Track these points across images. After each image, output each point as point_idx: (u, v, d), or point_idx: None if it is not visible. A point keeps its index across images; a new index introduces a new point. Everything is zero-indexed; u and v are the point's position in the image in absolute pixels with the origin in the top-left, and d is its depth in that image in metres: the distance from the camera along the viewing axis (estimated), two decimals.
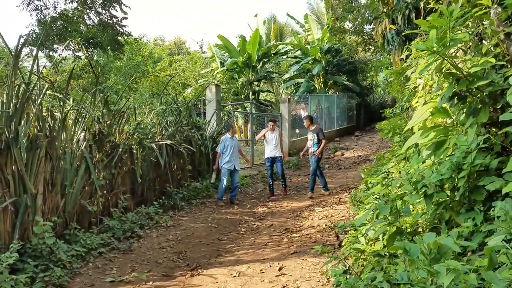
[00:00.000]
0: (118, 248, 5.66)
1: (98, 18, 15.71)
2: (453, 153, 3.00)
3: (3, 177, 4.54)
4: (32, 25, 15.50)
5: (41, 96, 5.23)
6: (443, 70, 2.96)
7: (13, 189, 4.63)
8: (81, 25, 15.77)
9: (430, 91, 4.17)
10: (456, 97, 2.96)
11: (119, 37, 16.15)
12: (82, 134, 6.14)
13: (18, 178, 4.68)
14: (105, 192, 6.39)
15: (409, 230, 3.43)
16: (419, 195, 3.04)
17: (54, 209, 5.25)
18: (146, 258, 5.40)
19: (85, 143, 6.09)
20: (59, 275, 4.42)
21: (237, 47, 20.97)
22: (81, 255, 5.10)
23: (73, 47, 16.57)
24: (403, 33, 6.76)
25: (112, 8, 15.67)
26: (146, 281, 4.61)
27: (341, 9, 16.75)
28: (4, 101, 4.76)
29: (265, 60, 22.16)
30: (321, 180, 9.29)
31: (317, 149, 9.04)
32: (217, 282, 4.54)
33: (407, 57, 6.18)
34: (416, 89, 5.21)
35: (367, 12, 14.29)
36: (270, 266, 4.95)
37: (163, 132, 8.52)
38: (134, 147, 7.20)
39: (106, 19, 15.74)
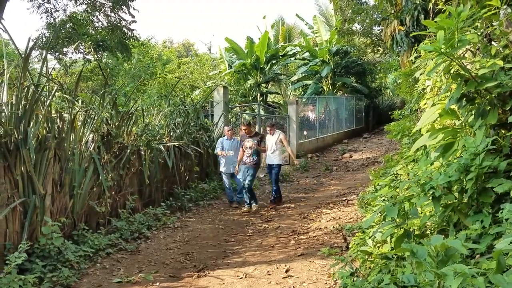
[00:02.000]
0: (125, 249, 5.68)
1: (107, 21, 15.82)
2: (461, 155, 2.97)
3: (12, 178, 4.58)
4: (43, 28, 15.63)
5: (50, 97, 5.28)
6: (451, 72, 2.94)
7: (22, 190, 4.67)
8: (90, 27, 15.88)
9: (438, 93, 4.14)
10: (465, 99, 2.93)
11: (126, 41, 16.23)
12: (91, 135, 6.19)
13: (27, 179, 4.73)
14: (113, 193, 6.43)
15: (417, 232, 3.40)
16: (427, 197, 3.01)
17: (62, 209, 5.29)
18: (153, 259, 5.42)
19: (93, 144, 6.13)
20: (67, 276, 4.45)
21: (245, 49, 20.99)
22: (89, 256, 5.13)
23: (83, 49, 16.71)
24: (411, 35, 6.70)
25: (121, 10, 15.78)
26: (153, 282, 4.63)
27: (350, 11, 16.68)
28: (14, 102, 4.81)
29: (273, 62, 22.14)
30: (252, 195, 8.28)
31: (257, 159, 8.24)
32: (223, 284, 4.54)
33: (415, 58, 6.13)
34: (425, 91, 5.17)
35: (376, 13, 14.22)
36: (277, 268, 4.94)
37: (171, 134, 8.56)
38: (142, 148, 7.24)
39: (115, 22, 15.84)
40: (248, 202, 8.18)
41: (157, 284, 4.60)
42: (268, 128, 8.94)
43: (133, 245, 5.86)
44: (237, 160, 8.45)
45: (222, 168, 8.78)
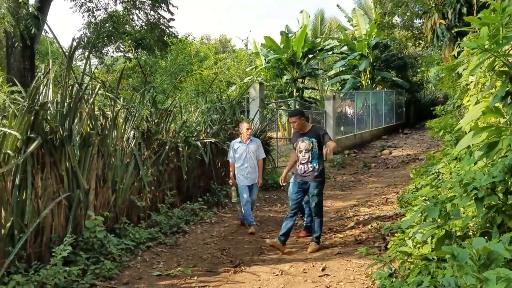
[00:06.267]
0: (165, 243, 5.82)
1: (146, 19, 16.17)
2: (506, 154, 2.85)
3: (57, 173, 4.78)
4: (83, 27, 16.17)
5: (93, 95, 5.47)
6: (495, 69, 2.82)
7: (67, 185, 4.87)
8: (129, 26, 16.29)
9: (482, 89, 3.99)
10: (510, 97, 2.81)
11: (165, 38, 16.54)
12: (132, 132, 6.37)
13: (72, 174, 4.92)
14: (152, 188, 6.60)
15: (458, 233, 3.30)
16: (470, 198, 2.91)
17: (105, 204, 5.48)
18: (191, 253, 5.53)
19: (134, 141, 6.31)
20: (109, 268, 4.61)
21: (281, 44, 20.86)
22: (130, 249, 5.28)
23: (123, 48, 17.18)
24: (453, 31, 6.47)
25: (160, 8, 16.09)
26: (191, 276, 4.72)
27: (390, 4, 16.30)
28: (59, 100, 5.01)
29: (310, 56, 21.93)
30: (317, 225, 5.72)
31: (319, 166, 5.53)
32: (259, 280, 4.57)
33: (458, 53, 5.93)
34: (468, 87, 4.99)
35: (417, 6, 13.82)
36: (313, 266, 4.92)
37: (208, 130, 8.67)
38: (180, 145, 7.38)
39: (154, 20, 16.17)
40: (280, 232, 5.59)
41: (195, 278, 4.68)
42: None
43: (172, 239, 6.00)
44: (248, 170, 6.72)
45: (239, 180, 6.78)
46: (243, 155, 6.74)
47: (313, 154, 5.51)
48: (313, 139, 5.51)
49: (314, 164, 5.50)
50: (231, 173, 6.96)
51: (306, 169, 5.52)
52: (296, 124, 5.56)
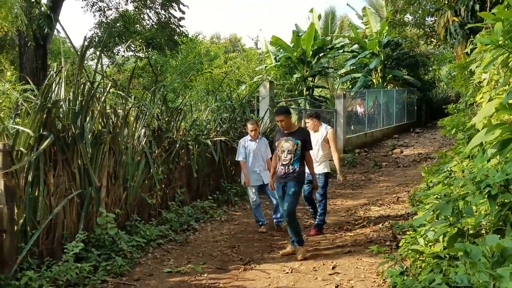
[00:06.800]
0: (175, 240, 5.86)
1: (157, 18, 16.25)
2: None
3: (69, 171, 4.83)
4: (95, 27, 16.31)
5: (105, 94, 5.51)
6: (509, 65, 2.78)
7: (79, 182, 4.92)
8: (139, 25, 16.39)
9: (495, 86, 3.94)
10: None
11: (176, 37, 16.60)
12: (143, 130, 6.41)
13: (84, 172, 4.97)
14: (163, 186, 6.63)
15: (471, 231, 3.26)
16: (483, 195, 2.88)
17: (116, 201, 5.53)
18: (201, 251, 5.55)
19: (145, 139, 6.36)
20: (120, 264, 4.65)
21: (291, 43, 20.78)
22: (141, 246, 5.33)
23: (134, 47, 17.29)
24: (466, 27, 6.37)
25: (171, 7, 16.15)
26: (201, 273, 4.74)
27: (401, 1, 16.16)
28: (71, 98, 5.06)
29: (321, 55, 21.83)
30: (294, 229, 5.33)
31: (300, 168, 5.26)
32: (269, 278, 4.57)
33: (471, 51, 5.85)
34: (481, 84, 4.93)
35: (429, 3, 13.68)
36: (324, 264, 4.91)
37: (218, 129, 8.68)
38: (190, 143, 7.41)
39: (165, 19, 16.24)
40: (291, 239, 5.37)
41: (205, 275, 4.70)
42: (307, 121, 6.37)
43: (182, 236, 6.03)
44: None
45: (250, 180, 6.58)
46: (254, 152, 6.58)
47: (295, 156, 5.19)
48: (298, 141, 5.18)
49: (295, 167, 5.20)
50: (243, 174, 6.57)
51: (286, 171, 5.22)
52: (284, 122, 5.21)
